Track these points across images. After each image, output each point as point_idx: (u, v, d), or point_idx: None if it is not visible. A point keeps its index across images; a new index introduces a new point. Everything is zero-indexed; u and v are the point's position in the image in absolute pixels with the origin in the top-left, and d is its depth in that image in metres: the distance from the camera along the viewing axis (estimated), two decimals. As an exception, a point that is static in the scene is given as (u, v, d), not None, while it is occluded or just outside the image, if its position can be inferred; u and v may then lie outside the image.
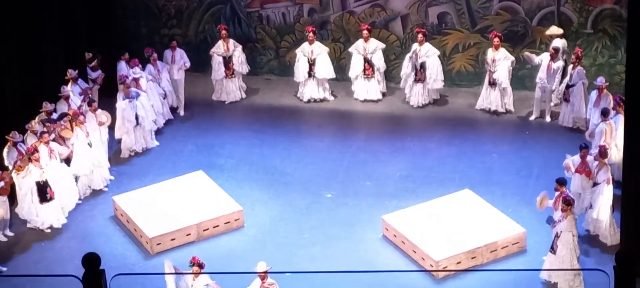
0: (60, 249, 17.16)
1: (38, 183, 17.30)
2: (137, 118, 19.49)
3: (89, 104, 18.90)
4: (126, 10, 22.62)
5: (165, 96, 20.77)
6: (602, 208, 16.48)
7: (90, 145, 18.41)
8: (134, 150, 19.71)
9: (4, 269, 16.61)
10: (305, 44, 21.50)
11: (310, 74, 21.46)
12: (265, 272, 14.71)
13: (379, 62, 21.34)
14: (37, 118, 18.41)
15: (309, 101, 21.58)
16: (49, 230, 17.54)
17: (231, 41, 21.62)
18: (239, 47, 21.69)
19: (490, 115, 20.71)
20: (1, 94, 18.12)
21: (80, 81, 19.83)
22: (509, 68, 20.49)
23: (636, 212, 15.29)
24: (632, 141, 15.22)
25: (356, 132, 20.52)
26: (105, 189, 18.63)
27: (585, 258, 16.20)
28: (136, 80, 19.89)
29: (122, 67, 20.66)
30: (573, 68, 19.67)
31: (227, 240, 17.23)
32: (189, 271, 14.75)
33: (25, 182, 17.32)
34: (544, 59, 20.09)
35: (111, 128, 19.36)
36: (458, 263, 16.06)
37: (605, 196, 16.45)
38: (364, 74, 21.36)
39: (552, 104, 20.48)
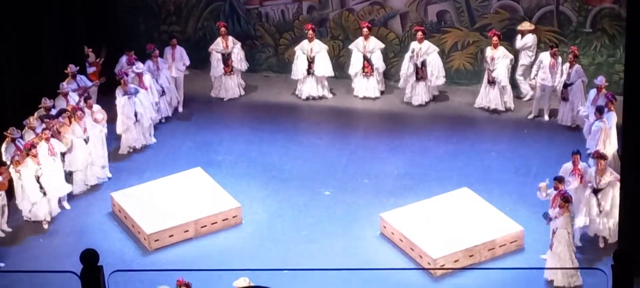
0: (58, 245, 17.14)
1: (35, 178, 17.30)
2: (136, 114, 19.49)
3: (85, 100, 18.88)
4: (125, 8, 22.60)
5: (163, 93, 20.76)
6: (614, 211, 16.18)
7: (86, 141, 18.40)
8: (132, 147, 19.71)
9: (2, 265, 16.60)
10: (305, 42, 21.49)
11: (310, 71, 21.46)
12: None
13: (377, 62, 21.32)
14: (35, 114, 18.40)
15: (307, 98, 21.57)
16: (46, 226, 17.54)
17: (230, 38, 21.61)
18: (238, 44, 21.67)
19: (489, 114, 20.70)
20: (1, 93, 18.10)
21: (78, 78, 19.82)
22: (508, 66, 20.50)
23: (634, 211, 15.27)
24: (630, 140, 15.20)
25: (355, 129, 20.50)
26: (102, 183, 18.58)
27: (583, 257, 16.19)
28: (139, 75, 19.88)
29: (122, 64, 20.65)
30: (571, 66, 19.67)
31: (225, 237, 17.21)
32: None
33: (22, 177, 17.30)
34: (544, 59, 20.07)
35: (112, 122, 19.32)
36: (456, 261, 16.05)
37: (616, 198, 16.08)
38: (363, 72, 21.36)
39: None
